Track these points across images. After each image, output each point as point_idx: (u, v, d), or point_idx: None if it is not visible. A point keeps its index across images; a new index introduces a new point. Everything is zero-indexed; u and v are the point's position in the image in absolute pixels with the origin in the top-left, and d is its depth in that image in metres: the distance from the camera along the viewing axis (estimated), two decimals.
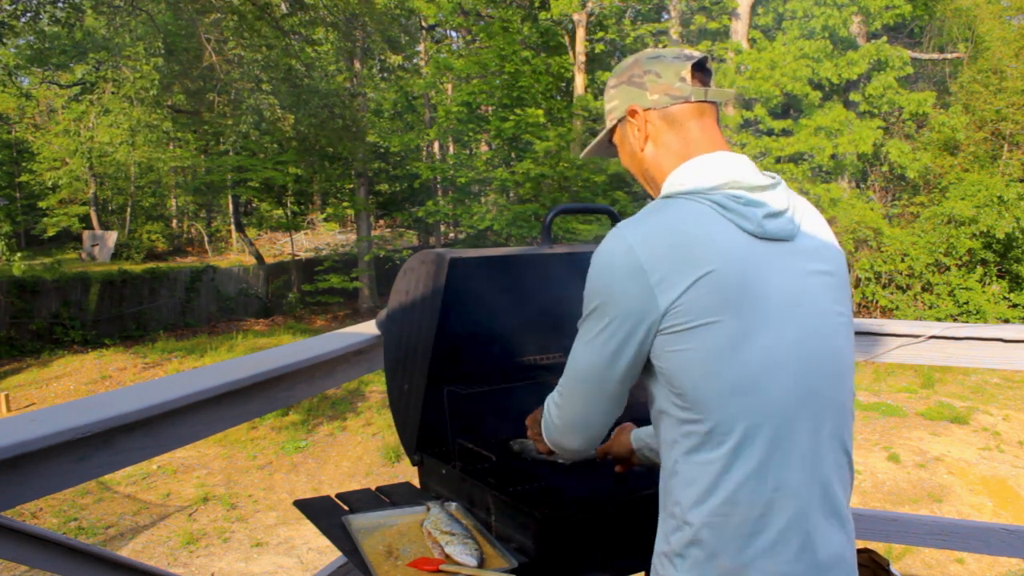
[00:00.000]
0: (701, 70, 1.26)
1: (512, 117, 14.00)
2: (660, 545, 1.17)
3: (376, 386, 9.76)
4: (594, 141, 1.39)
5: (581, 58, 17.48)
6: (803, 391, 1.09)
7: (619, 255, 1.10)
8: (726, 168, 1.16)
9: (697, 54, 1.26)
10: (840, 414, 1.14)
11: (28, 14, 13.78)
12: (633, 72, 1.27)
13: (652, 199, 1.27)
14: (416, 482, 1.90)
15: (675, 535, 1.11)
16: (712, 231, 1.08)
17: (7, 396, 9.74)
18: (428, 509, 1.64)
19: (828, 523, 1.10)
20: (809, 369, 1.10)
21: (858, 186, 17.37)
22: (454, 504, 1.64)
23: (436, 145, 21.10)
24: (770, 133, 15.40)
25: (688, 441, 1.09)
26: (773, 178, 1.19)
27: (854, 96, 16.05)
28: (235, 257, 23.79)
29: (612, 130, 1.33)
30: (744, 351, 1.05)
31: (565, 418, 1.24)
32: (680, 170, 1.20)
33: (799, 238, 1.16)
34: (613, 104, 1.31)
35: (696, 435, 1.08)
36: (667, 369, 1.09)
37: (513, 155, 15.29)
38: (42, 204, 24.02)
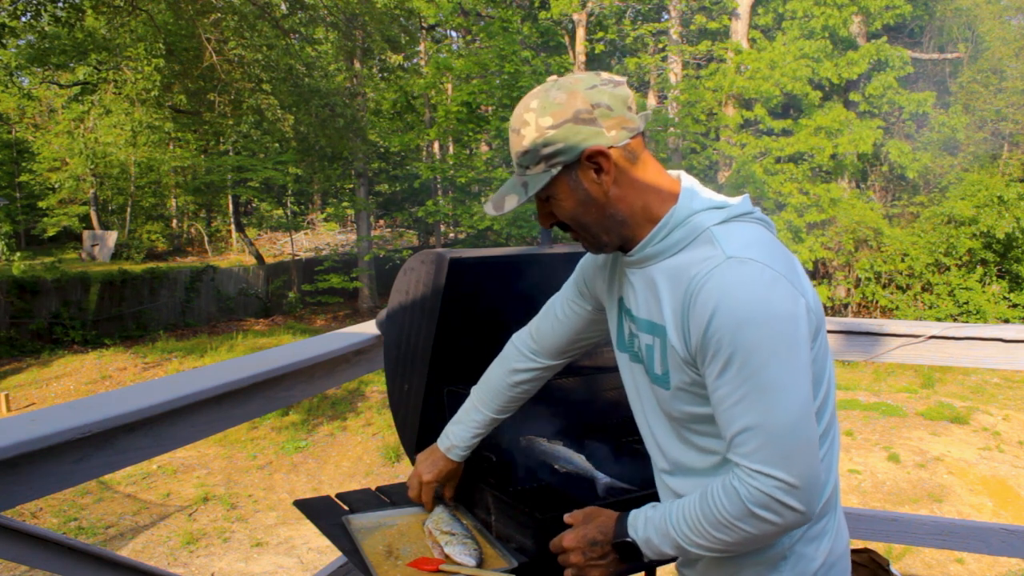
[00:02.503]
0: None
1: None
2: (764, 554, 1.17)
3: (376, 386, 9.76)
4: (513, 192, 1.17)
5: (581, 58, 17.49)
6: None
7: (760, 273, 1.04)
8: (710, 189, 1.21)
9: (619, 78, 1.16)
10: None
11: (28, 14, 13.77)
12: (577, 107, 1.10)
13: (601, 245, 1.18)
14: None
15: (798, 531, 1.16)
16: (781, 244, 1.16)
17: (7, 396, 9.74)
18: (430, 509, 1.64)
19: None
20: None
21: (858, 186, 17.37)
22: (452, 505, 1.64)
23: (436, 145, 21.10)
24: (770, 133, 15.40)
25: None
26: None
27: (854, 96, 16.05)
28: (235, 257, 23.79)
29: (557, 177, 1.13)
30: (826, 352, 1.17)
31: (804, 484, 1.01)
32: (687, 195, 1.15)
33: None
34: (558, 147, 1.11)
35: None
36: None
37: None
38: (42, 204, 24.02)
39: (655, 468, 1.30)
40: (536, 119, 1.12)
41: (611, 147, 1.11)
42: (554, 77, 1.16)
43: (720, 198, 1.17)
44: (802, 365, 1.02)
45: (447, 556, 1.41)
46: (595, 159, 1.11)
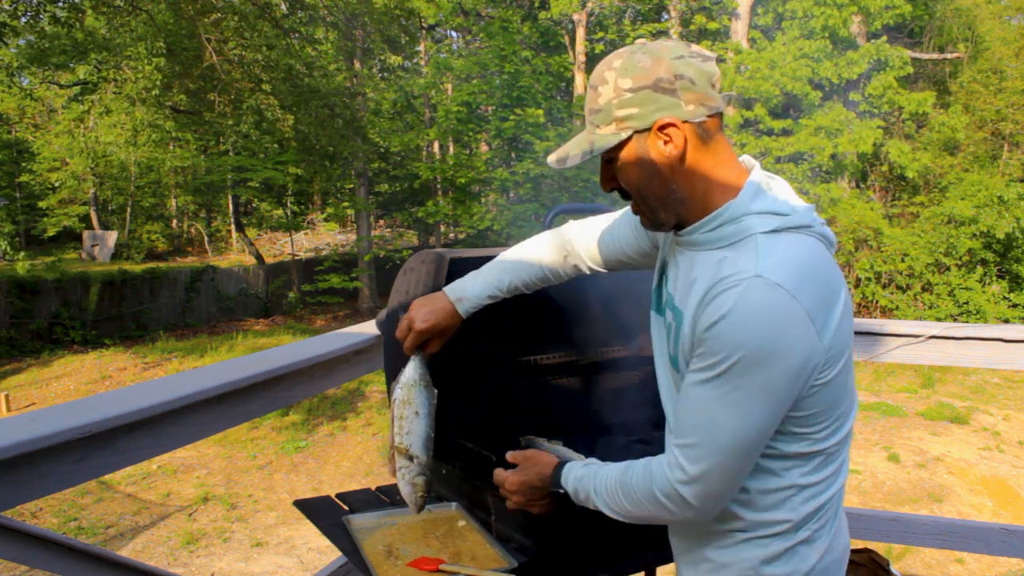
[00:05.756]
0: None
1: (512, 117, 14.00)
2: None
3: (376, 386, 9.76)
4: (580, 146, 1.16)
5: (581, 58, 17.49)
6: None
7: (783, 307, 0.99)
8: (785, 190, 1.14)
9: (710, 53, 1.13)
10: None
11: (28, 14, 13.78)
12: (660, 75, 1.08)
13: (657, 222, 1.16)
14: None
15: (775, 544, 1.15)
16: (831, 263, 1.10)
17: (7, 396, 9.74)
18: (429, 511, 1.64)
19: None
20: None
21: (858, 186, 17.37)
22: (424, 370, 1.50)
23: (436, 145, 21.10)
24: (770, 133, 15.40)
25: (806, 461, 1.12)
26: (775, 178, 1.19)
27: (854, 96, 16.04)
28: (235, 257, 23.79)
29: (626, 141, 1.11)
30: (849, 373, 1.13)
31: (704, 494, 1.08)
32: (749, 193, 1.10)
33: None
34: (631, 111, 1.09)
35: (816, 455, 1.12)
36: (806, 411, 1.08)
37: (513, 155, 15.28)
38: (42, 204, 24.03)
39: (666, 426, 1.29)
40: (616, 79, 1.10)
41: (685, 121, 1.08)
42: (643, 40, 1.14)
43: (786, 201, 1.10)
44: (773, 404, 1.03)
45: (394, 446, 1.40)
46: (667, 130, 1.08)
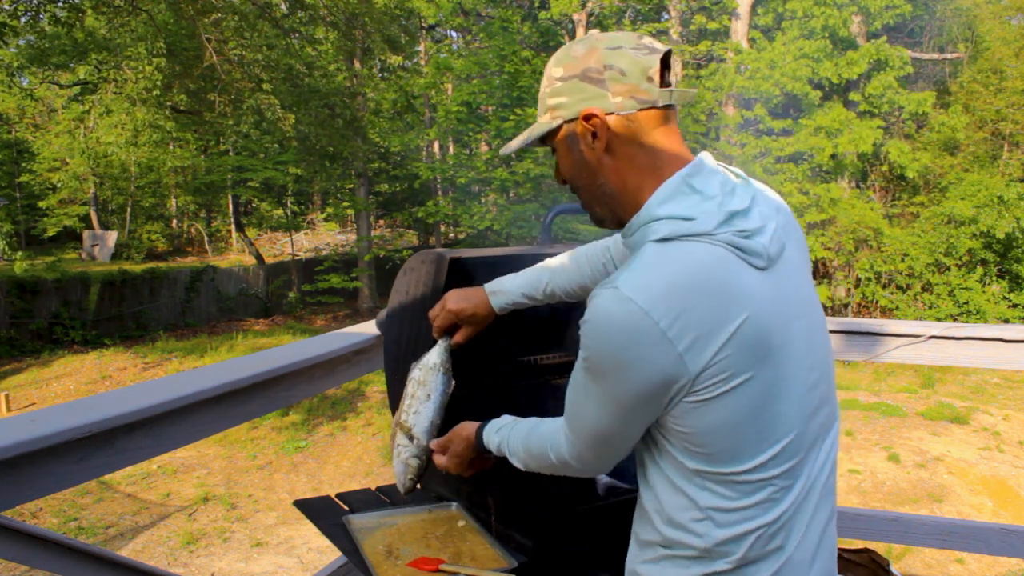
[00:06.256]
0: (665, 66, 1.08)
1: (512, 117, 14.00)
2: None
3: (376, 386, 9.76)
4: (523, 134, 1.16)
5: None
6: (815, 426, 1.06)
7: (631, 322, 0.93)
8: (708, 190, 1.02)
9: (659, 46, 1.07)
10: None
11: (28, 14, 13.78)
12: (589, 65, 1.06)
13: (596, 217, 1.14)
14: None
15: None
16: (732, 277, 0.96)
17: (7, 396, 9.75)
18: (429, 511, 1.64)
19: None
20: (819, 400, 1.07)
21: (858, 186, 17.37)
22: (447, 358, 1.53)
23: (436, 145, 21.10)
24: (770, 133, 15.41)
25: (715, 483, 1.02)
26: (743, 179, 1.08)
27: (854, 96, 16.06)
28: (235, 257, 23.80)
29: (556, 130, 1.11)
30: (776, 400, 0.99)
31: (582, 463, 1.13)
32: (660, 197, 1.03)
33: (785, 244, 1.06)
34: (560, 100, 1.09)
35: (726, 479, 1.01)
36: (689, 429, 0.99)
37: (513, 155, 15.29)
38: (42, 204, 24.03)
39: None
40: (551, 68, 1.11)
41: (610, 113, 1.05)
42: (596, 31, 1.14)
43: (697, 204, 1.00)
44: (625, 412, 1.00)
45: (399, 422, 1.44)
46: (592, 121, 1.06)
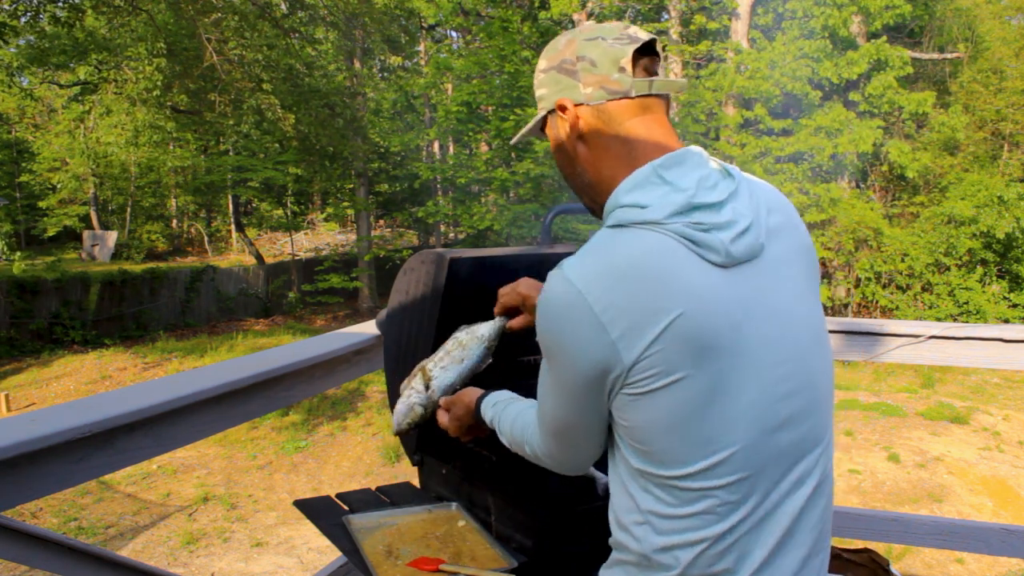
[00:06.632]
0: (648, 55, 1.07)
1: (512, 117, 13.99)
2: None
3: (376, 386, 9.76)
4: (527, 127, 1.20)
5: None
6: (780, 442, 0.98)
7: (567, 304, 0.93)
8: (682, 183, 0.98)
9: (643, 36, 1.06)
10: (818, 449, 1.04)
11: (28, 14, 13.78)
12: (565, 56, 1.08)
13: (586, 207, 1.15)
14: (416, 482, 1.90)
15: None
16: (675, 269, 0.92)
17: (7, 396, 9.75)
18: (429, 511, 1.64)
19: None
20: (789, 414, 0.99)
21: (858, 186, 17.38)
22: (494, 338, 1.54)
23: (436, 145, 21.10)
24: (770, 133, 15.41)
25: (656, 487, 0.98)
26: (730, 175, 1.02)
27: (854, 96, 16.05)
28: (235, 257, 23.80)
29: (544, 119, 1.15)
30: (719, 406, 0.93)
31: (552, 459, 1.14)
32: (627, 185, 1.00)
33: (768, 246, 1.00)
34: (542, 92, 1.13)
35: (666, 483, 0.97)
36: (630, 425, 0.97)
37: (513, 155, 15.28)
38: (42, 204, 24.04)
39: None
40: (540, 60, 1.14)
41: (580, 104, 1.07)
42: (591, 22, 1.17)
43: (654, 192, 0.98)
44: (573, 398, 1.00)
45: (423, 367, 1.47)
46: (565, 112, 1.08)
